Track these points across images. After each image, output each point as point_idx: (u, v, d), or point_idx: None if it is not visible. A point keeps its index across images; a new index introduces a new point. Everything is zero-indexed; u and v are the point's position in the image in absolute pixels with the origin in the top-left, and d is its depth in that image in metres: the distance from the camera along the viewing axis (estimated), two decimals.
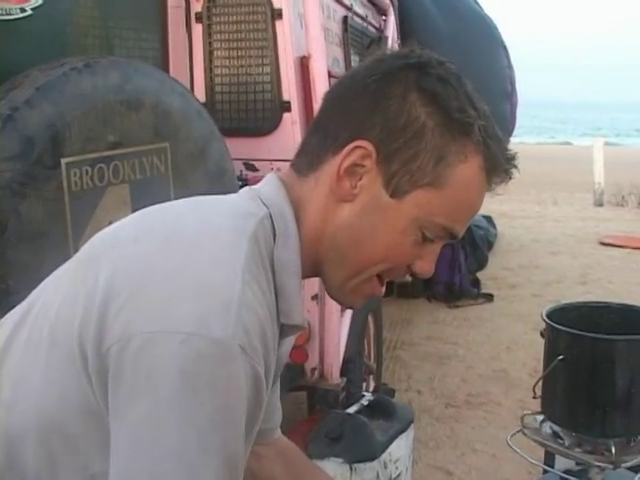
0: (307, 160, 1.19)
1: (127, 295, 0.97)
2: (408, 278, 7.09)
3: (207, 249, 1.01)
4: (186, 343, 0.92)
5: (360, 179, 1.13)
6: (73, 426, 1.03)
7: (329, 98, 1.21)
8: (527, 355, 5.55)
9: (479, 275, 7.78)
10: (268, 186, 1.19)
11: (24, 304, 1.18)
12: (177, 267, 0.99)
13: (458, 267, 7.29)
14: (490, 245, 9.10)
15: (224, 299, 0.96)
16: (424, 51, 1.17)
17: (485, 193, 1.17)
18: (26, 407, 1.06)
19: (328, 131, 1.16)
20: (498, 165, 1.14)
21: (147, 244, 1.04)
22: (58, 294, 1.10)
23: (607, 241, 10.22)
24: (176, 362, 0.92)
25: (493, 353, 5.84)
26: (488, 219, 9.66)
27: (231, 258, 1.01)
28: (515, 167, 1.18)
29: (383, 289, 1.22)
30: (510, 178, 1.18)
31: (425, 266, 1.18)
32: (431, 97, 1.11)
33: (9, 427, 1.07)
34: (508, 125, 7.15)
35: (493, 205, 11.35)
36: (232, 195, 1.21)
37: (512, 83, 7.38)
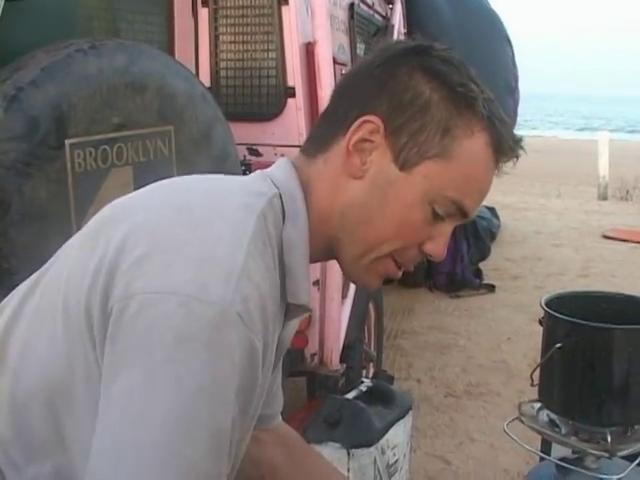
0: (316, 143, 1.21)
1: (134, 259, 0.99)
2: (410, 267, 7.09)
3: (216, 223, 1.03)
4: (184, 305, 0.93)
5: (369, 155, 1.15)
6: (78, 393, 1.04)
7: (337, 87, 1.26)
8: (527, 346, 5.55)
9: (481, 266, 7.78)
10: (279, 169, 1.21)
11: (35, 275, 1.20)
12: (185, 238, 1.00)
13: (460, 257, 7.30)
14: (493, 236, 9.09)
15: (226, 268, 0.97)
16: (427, 40, 1.20)
17: (493, 172, 1.18)
18: (33, 374, 1.07)
19: (337, 115, 1.19)
20: (504, 143, 1.16)
21: (158, 214, 1.05)
22: (67, 264, 1.11)
23: (610, 235, 10.19)
24: (172, 323, 0.93)
25: (494, 344, 5.85)
26: (491, 210, 9.66)
27: (238, 233, 1.02)
28: (522, 148, 1.20)
29: (400, 272, 1.22)
30: (517, 158, 1.20)
31: (436, 248, 1.19)
32: (435, 74, 1.14)
33: (16, 394, 1.08)
34: (511, 121, 7.14)
35: (497, 196, 11.36)
36: (243, 176, 1.24)
37: (516, 79, 7.39)
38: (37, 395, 1.06)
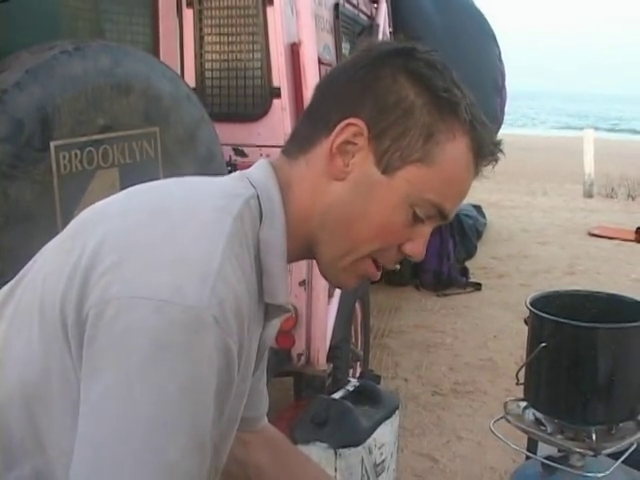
0: (298, 144, 1.21)
1: (109, 263, 0.99)
2: (397, 266, 7.13)
3: (191, 226, 1.03)
4: (160, 310, 0.94)
5: (352, 157, 1.15)
6: (55, 395, 1.04)
7: (320, 87, 1.25)
8: (514, 344, 5.56)
9: (468, 264, 7.81)
10: (257, 169, 1.21)
11: (15, 277, 1.20)
12: (160, 241, 1.01)
13: (447, 256, 7.32)
14: (479, 234, 9.10)
15: (202, 271, 0.98)
16: (410, 41, 1.20)
17: (473, 175, 1.19)
18: (10, 376, 1.07)
19: (319, 115, 1.19)
20: (485, 147, 1.17)
21: (134, 218, 1.06)
22: (45, 266, 1.11)
23: (596, 232, 10.24)
24: (149, 328, 0.94)
25: (480, 342, 5.87)
26: (477, 208, 9.68)
27: (214, 235, 1.03)
28: (501, 151, 1.20)
29: (379, 274, 1.23)
30: (496, 161, 1.21)
31: (415, 248, 1.19)
32: (418, 78, 1.14)
33: None
34: (497, 119, 7.18)
35: (483, 195, 11.39)
36: (222, 177, 1.23)
37: (502, 77, 7.40)
38: (14, 397, 1.07)
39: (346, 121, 1.14)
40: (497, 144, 1.20)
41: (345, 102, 1.16)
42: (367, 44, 1.25)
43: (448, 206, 1.17)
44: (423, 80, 1.14)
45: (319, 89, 1.25)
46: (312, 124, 1.21)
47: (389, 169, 1.14)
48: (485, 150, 1.18)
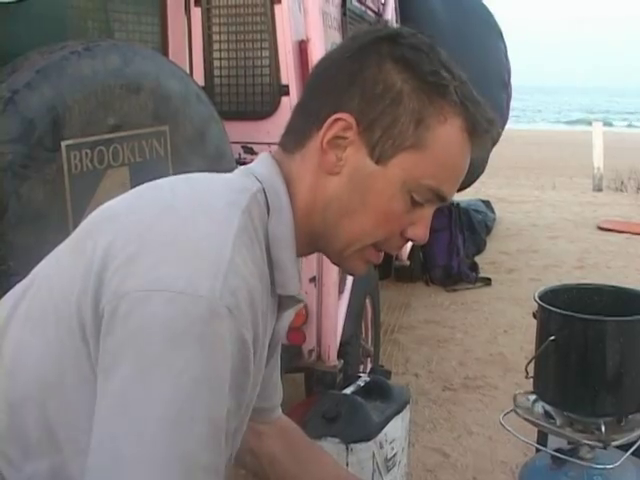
0: (293, 138, 1.22)
1: (123, 259, 1.00)
2: (407, 262, 7.19)
3: (201, 221, 1.04)
4: (173, 301, 0.95)
5: (344, 151, 1.16)
6: (71, 394, 1.05)
7: (310, 79, 1.25)
8: (524, 339, 5.55)
9: (477, 259, 7.80)
10: (261, 164, 1.22)
11: (28, 277, 1.21)
12: (172, 236, 1.02)
13: (456, 251, 7.31)
14: (488, 229, 9.10)
15: (214, 264, 0.99)
16: (395, 26, 1.21)
17: (469, 154, 1.19)
18: (25, 375, 1.09)
19: (310, 109, 1.20)
20: (478, 125, 1.17)
21: (144, 215, 1.07)
22: (58, 267, 1.13)
23: (605, 226, 10.20)
24: (163, 320, 0.95)
25: (490, 337, 5.87)
26: (487, 203, 9.68)
27: (223, 229, 1.04)
28: (495, 128, 1.20)
29: (381, 255, 1.24)
30: (492, 139, 1.21)
31: (418, 231, 1.20)
32: (405, 64, 1.14)
33: (10, 393, 1.10)
34: (504, 115, 7.18)
35: (491, 190, 11.39)
36: (227, 173, 1.25)
37: (508, 73, 7.41)
38: (30, 396, 1.08)
39: (334, 116, 1.15)
40: (491, 121, 1.19)
41: (333, 95, 1.17)
42: (353, 32, 1.25)
43: (445, 189, 1.18)
44: (409, 65, 1.14)
45: (309, 81, 1.25)
46: (304, 117, 1.21)
47: (382, 158, 1.14)
48: (479, 128, 1.17)
